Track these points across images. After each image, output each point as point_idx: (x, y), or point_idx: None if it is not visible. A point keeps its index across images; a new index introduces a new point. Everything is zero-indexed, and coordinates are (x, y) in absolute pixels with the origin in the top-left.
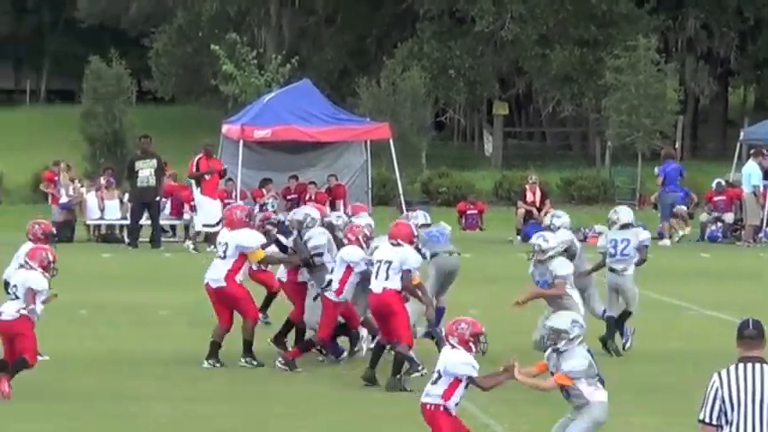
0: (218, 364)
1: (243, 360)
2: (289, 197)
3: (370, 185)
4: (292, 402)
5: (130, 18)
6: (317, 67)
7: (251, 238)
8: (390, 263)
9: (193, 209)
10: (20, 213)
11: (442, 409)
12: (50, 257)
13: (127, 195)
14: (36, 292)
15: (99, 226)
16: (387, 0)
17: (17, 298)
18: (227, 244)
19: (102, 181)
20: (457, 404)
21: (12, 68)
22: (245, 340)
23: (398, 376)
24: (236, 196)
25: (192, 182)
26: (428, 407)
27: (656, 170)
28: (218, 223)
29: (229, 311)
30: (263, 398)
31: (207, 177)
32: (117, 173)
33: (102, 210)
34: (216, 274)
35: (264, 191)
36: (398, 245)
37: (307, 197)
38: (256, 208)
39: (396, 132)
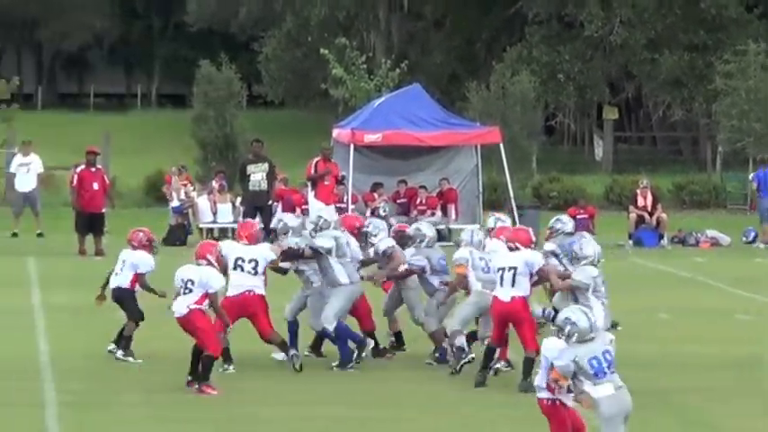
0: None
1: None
2: (398, 201)
3: (480, 190)
4: (420, 404)
5: (240, 22)
6: (427, 71)
7: (271, 251)
8: (516, 268)
9: (305, 212)
10: (133, 217)
11: (558, 402)
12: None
13: (239, 199)
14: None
15: (212, 229)
16: (496, 4)
17: (190, 292)
18: (256, 261)
19: (215, 185)
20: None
21: (123, 73)
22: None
23: (529, 379)
24: (347, 200)
25: (309, 185)
26: (545, 402)
27: (751, 176)
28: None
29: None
30: (393, 400)
31: (326, 182)
32: (228, 176)
33: (214, 213)
34: (256, 282)
35: (376, 195)
36: (516, 249)
37: (417, 201)
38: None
39: (506, 136)
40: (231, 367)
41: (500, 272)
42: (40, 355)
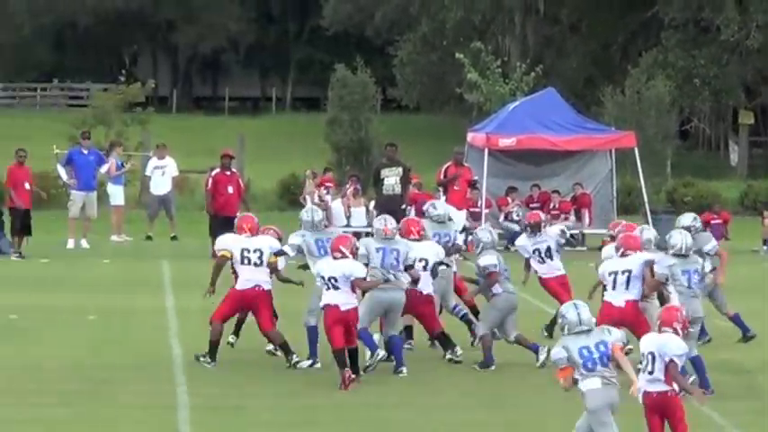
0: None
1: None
2: (532, 205)
3: (614, 194)
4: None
5: (375, 26)
6: (562, 75)
7: (275, 244)
8: (630, 271)
9: None
10: (266, 221)
11: (677, 394)
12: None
13: (372, 203)
14: (358, 279)
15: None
16: (631, 8)
17: (336, 289)
18: (261, 251)
19: (349, 189)
20: None
21: (258, 77)
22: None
23: None
24: (481, 205)
25: (440, 189)
26: (669, 393)
27: None
28: (460, 232)
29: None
30: (530, 404)
31: (456, 187)
32: (362, 180)
33: (348, 217)
34: (264, 277)
35: (509, 199)
36: (625, 255)
37: (550, 206)
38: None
39: (640, 141)
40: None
41: (612, 276)
42: (173, 357)
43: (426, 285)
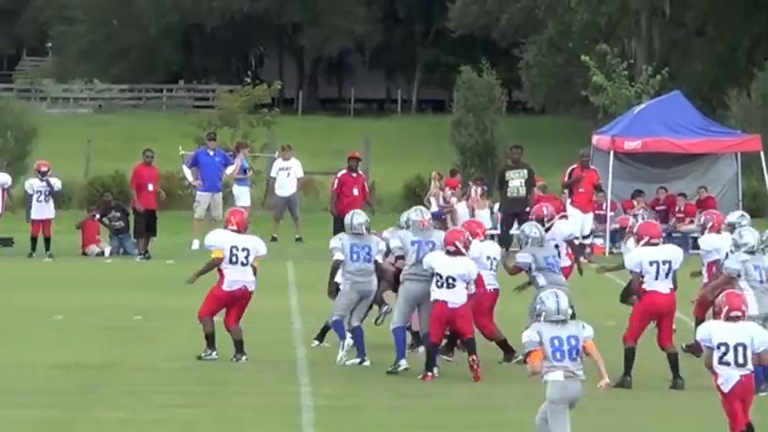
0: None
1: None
2: (657, 208)
3: (740, 198)
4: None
5: (501, 29)
6: (688, 78)
7: (263, 246)
8: (670, 262)
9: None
10: (391, 223)
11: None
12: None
13: (497, 205)
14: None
15: None
16: (758, 11)
17: (453, 287)
18: (248, 250)
19: (474, 191)
20: None
21: (384, 78)
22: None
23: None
24: (606, 207)
25: (566, 192)
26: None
27: None
28: (587, 236)
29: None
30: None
31: (581, 189)
32: (487, 183)
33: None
34: (250, 277)
35: (635, 202)
36: (653, 244)
37: (676, 209)
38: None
39: (767, 144)
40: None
41: (654, 265)
42: (297, 359)
43: (492, 282)
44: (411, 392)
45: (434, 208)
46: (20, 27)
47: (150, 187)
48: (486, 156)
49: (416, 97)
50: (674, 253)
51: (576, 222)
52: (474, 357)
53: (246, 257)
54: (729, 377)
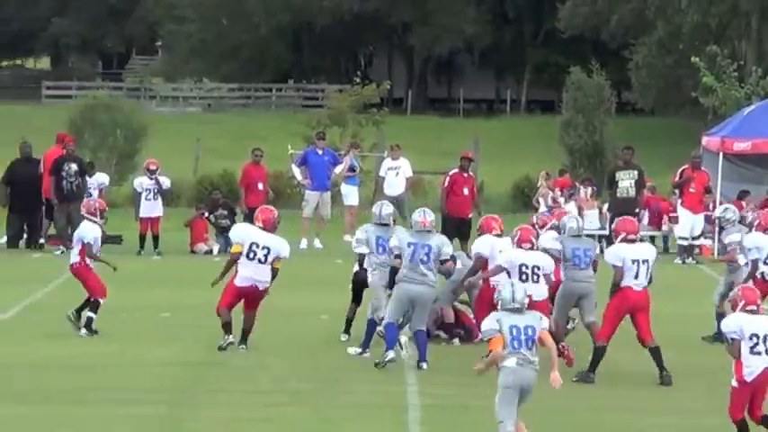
0: None
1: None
2: (767, 210)
3: None
4: None
5: (611, 30)
6: None
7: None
8: (648, 261)
9: (673, 220)
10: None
11: None
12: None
13: (606, 206)
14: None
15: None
16: None
17: (537, 281)
18: (268, 249)
19: (583, 191)
20: None
21: (493, 78)
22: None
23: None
24: (713, 208)
25: (676, 193)
26: None
27: None
28: (696, 237)
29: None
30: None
31: (691, 190)
32: (596, 183)
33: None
34: (264, 277)
35: (744, 203)
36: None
37: None
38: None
39: None
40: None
41: (635, 263)
42: (403, 358)
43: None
44: None
45: (543, 208)
46: (130, 26)
47: (260, 186)
48: (594, 157)
49: (525, 97)
50: (651, 252)
51: (686, 223)
52: (562, 344)
53: (266, 256)
54: (757, 367)
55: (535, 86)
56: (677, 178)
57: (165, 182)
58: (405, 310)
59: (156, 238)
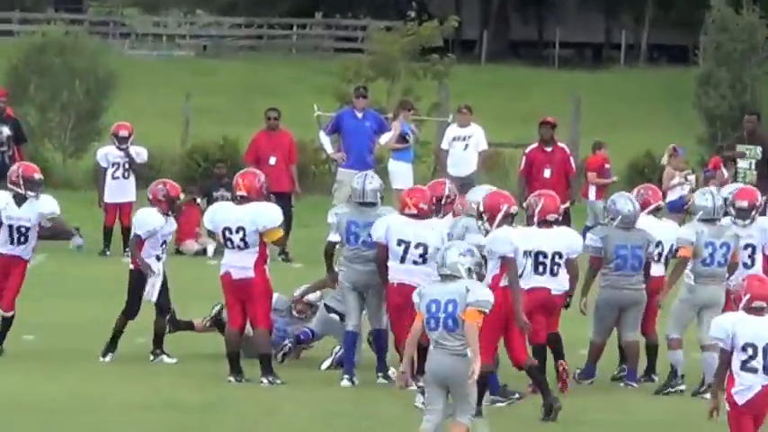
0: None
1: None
2: None
3: None
4: None
5: None
6: None
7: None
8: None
9: None
10: None
11: None
12: None
13: None
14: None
15: None
16: None
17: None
18: (243, 229)
19: (722, 172)
20: None
21: (602, 16)
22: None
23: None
24: None
25: None
26: None
27: None
28: None
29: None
30: None
31: None
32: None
33: None
34: (246, 262)
35: None
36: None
37: None
38: None
39: None
40: None
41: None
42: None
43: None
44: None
45: (674, 196)
46: None
47: (271, 161)
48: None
49: (646, 42)
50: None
51: None
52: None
53: (243, 239)
54: (751, 386)
55: (660, 27)
56: None
57: (141, 154)
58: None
59: (126, 233)
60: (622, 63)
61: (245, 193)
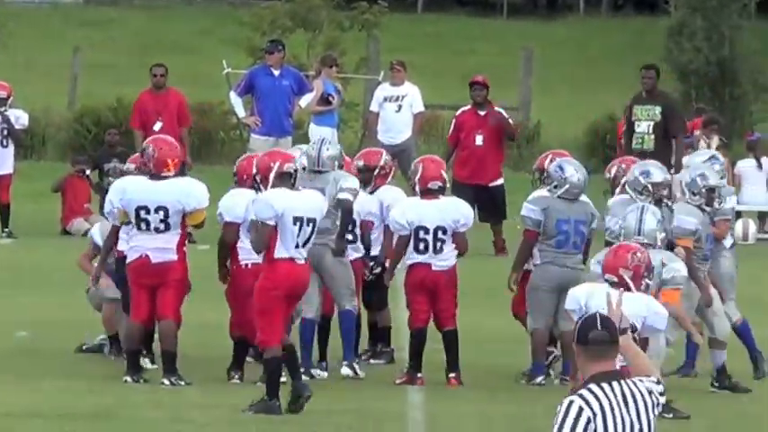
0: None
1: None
2: None
3: None
4: None
5: None
6: None
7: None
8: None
9: None
10: None
11: None
12: None
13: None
14: None
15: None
16: None
17: None
18: (166, 209)
19: (704, 141)
20: None
21: None
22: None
23: None
24: None
25: None
26: None
27: None
28: None
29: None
30: None
31: None
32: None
33: None
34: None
35: None
36: None
37: None
38: None
39: None
40: None
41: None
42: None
43: None
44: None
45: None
46: None
47: (157, 126)
48: (722, 83)
49: None
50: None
51: None
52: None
53: (163, 221)
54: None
55: None
56: None
57: (21, 118)
58: None
59: (4, 210)
60: (582, 12)
61: (171, 173)
